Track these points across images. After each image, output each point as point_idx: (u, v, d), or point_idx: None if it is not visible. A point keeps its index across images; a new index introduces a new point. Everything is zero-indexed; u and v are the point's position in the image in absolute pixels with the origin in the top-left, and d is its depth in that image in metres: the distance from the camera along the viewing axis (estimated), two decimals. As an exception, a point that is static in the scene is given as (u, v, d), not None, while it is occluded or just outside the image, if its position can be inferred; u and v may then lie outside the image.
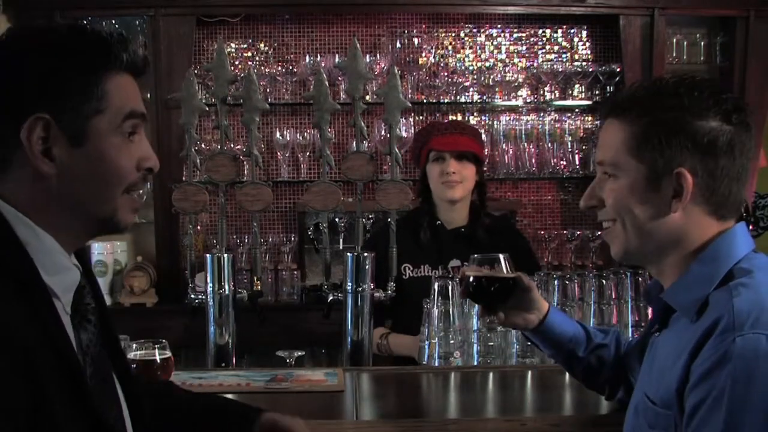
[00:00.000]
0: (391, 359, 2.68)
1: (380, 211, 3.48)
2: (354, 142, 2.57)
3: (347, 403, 1.98)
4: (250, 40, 4.02)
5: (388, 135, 2.44)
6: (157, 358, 1.94)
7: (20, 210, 1.13)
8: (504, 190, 4.12)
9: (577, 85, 4.01)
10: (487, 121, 4.10)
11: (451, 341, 2.29)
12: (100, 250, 3.72)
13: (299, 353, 2.49)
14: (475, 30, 4.09)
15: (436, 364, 2.30)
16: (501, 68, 4.06)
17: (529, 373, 2.21)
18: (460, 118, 4.06)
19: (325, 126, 2.42)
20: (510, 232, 3.04)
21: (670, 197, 1.36)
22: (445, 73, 3.97)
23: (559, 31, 4.13)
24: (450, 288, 2.29)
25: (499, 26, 4.10)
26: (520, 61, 4.10)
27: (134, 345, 1.95)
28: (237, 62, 3.99)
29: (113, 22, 3.77)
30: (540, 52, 4.11)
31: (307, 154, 3.92)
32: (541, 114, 4.12)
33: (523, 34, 4.11)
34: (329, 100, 2.42)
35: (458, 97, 3.97)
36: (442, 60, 4.03)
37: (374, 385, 2.18)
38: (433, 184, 2.80)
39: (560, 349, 1.78)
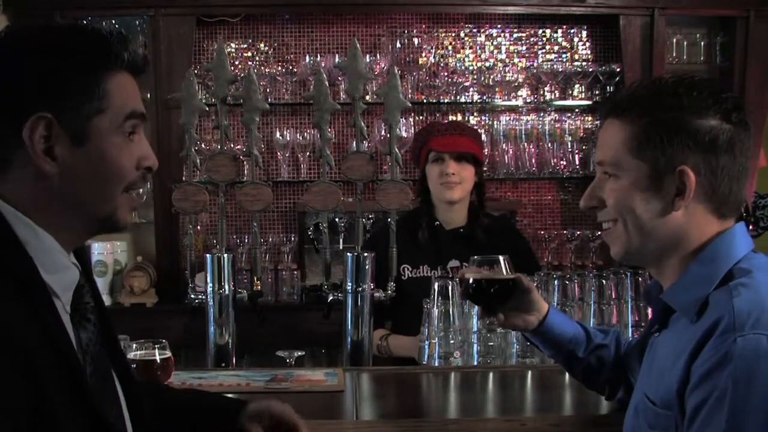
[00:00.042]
0: (391, 359, 2.68)
1: (380, 211, 3.48)
2: (354, 142, 2.57)
3: (347, 403, 1.98)
4: (250, 40, 4.02)
5: (388, 135, 2.44)
6: (157, 358, 1.94)
7: (20, 209, 1.13)
8: (504, 190, 4.12)
9: (577, 85, 4.01)
10: (487, 121, 4.10)
11: (451, 341, 2.29)
12: (100, 250, 3.72)
13: (299, 353, 2.49)
14: (475, 30, 4.09)
15: (436, 364, 2.30)
16: (501, 68, 4.06)
17: (529, 373, 2.21)
18: (460, 118, 4.07)
19: (325, 126, 2.42)
20: (509, 232, 3.04)
21: (672, 196, 1.36)
22: (445, 73, 3.97)
23: (559, 31, 4.13)
24: (450, 288, 2.29)
25: (499, 26, 4.10)
26: (520, 61, 4.10)
27: (134, 345, 1.95)
28: (237, 62, 3.99)
29: (113, 22, 3.76)
30: (540, 52, 4.11)
31: (307, 154, 3.92)
32: (541, 114, 4.12)
33: (523, 34, 4.11)
34: (329, 100, 2.42)
35: (458, 97, 3.97)
36: (442, 60, 4.03)
37: (374, 385, 2.18)
38: (432, 184, 2.80)
39: (560, 349, 1.78)
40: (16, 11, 3.54)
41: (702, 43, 4.04)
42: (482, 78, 3.97)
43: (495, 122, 4.08)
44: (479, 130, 3.90)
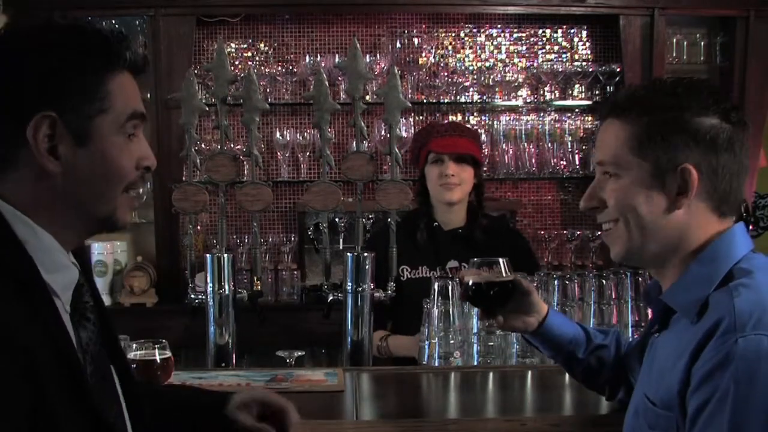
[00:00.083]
0: (391, 359, 2.68)
1: (380, 211, 3.48)
2: (354, 142, 2.57)
3: (347, 403, 1.99)
4: (250, 40, 4.02)
5: (388, 135, 2.44)
6: (157, 358, 1.94)
7: (19, 209, 1.13)
8: (504, 190, 4.12)
9: (577, 85, 4.01)
10: (487, 121, 4.10)
11: (451, 341, 2.29)
12: (100, 250, 3.72)
13: (299, 353, 2.49)
14: (475, 30, 4.09)
15: (436, 364, 2.30)
16: (501, 68, 4.05)
17: (529, 373, 2.21)
18: (460, 118, 4.06)
19: (325, 126, 2.42)
20: (508, 232, 3.04)
21: (674, 194, 1.36)
22: (445, 73, 3.97)
23: (559, 31, 4.13)
24: (450, 288, 2.29)
25: (499, 26, 4.10)
26: (520, 61, 4.10)
27: (134, 345, 1.95)
28: (237, 62, 3.98)
29: (113, 22, 3.76)
30: (540, 52, 4.11)
31: (307, 154, 3.92)
32: (541, 114, 4.12)
33: (523, 34, 4.11)
34: (329, 100, 2.42)
35: (458, 97, 3.97)
36: (442, 60, 4.03)
37: (374, 385, 2.18)
38: (431, 185, 2.80)
39: (560, 350, 1.78)
40: (16, 11, 3.55)
41: (702, 43, 4.04)
42: (482, 78, 3.97)
43: (495, 122, 4.08)
44: (479, 130, 3.92)
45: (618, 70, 3.93)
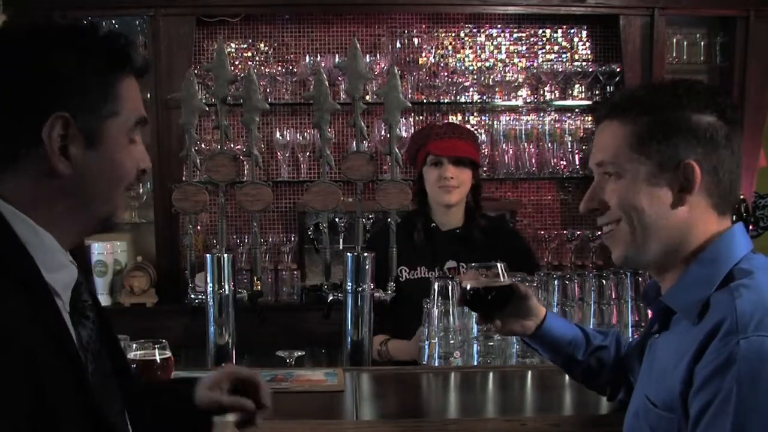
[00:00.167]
0: (391, 360, 2.67)
1: (380, 211, 3.48)
2: (354, 142, 2.57)
3: (347, 403, 1.99)
4: (250, 40, 4.02)
5: (388, 135, 2.44)
6: (157, 358, 1.94)
7: (19, 208, 1.13)
8: (504, 190, 4.12)
9: (577, 85, 4.01)
10: (487, 121, 4.10)
11: (451, 341, 2.29)
12: (100, 250, 3.71)
13: (299, 353, 2.49)
14: (475, 30, 4.09)
15: (436, 364, 2.30)
16: (501, 68, 4.05)
17: (529, 373, 2.21)
18: (460, 118, 4.07)
19: (325, 126, 2.42)
20: (506, 232, 3.04)
21: (677, 191, 1.37)
22: (445, 73, 3.97)
23: (559, 31, 4.13)
24: (450, 288, 2.29)
25: (499, 26, 4.10)
26: (520, 61, 4.10)
27: (134, 345, 1.95)
28: (237, 62, 3.98)
29: (113, 22, 3.76)
30: (540, 52, 4.11)
31: (307, 154, 3.92)
32: (541, 114, 4.12)
33: (523, 34, 4.11)
34: (329, 100, 2.42)
35: (458, 97, 3.97)
36: (442, 60, 4.03)
37: (374, 385, 2.18)
38: (429, 187, 2.79)
39: (559, 353, 1.78)
40: (16, 11, 3.55)
41: (702, 43, 4.04)
42: (482, 78, 3.97)
43: (495, 122, 4.08)
44: (479, 131, 3.92)
45: (618, 70, 3.93)
